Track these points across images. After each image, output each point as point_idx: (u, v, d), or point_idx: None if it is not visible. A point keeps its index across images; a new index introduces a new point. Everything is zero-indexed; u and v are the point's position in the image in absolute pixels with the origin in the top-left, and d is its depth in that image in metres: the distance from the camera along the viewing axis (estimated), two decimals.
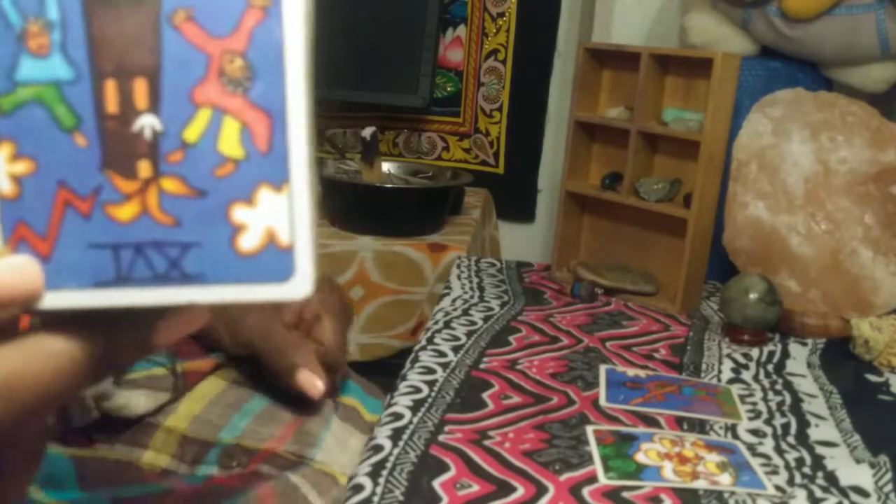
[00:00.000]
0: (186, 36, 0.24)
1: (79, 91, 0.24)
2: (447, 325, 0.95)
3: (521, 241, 2.03)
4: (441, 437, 0.68)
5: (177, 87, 0.25)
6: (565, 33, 1.94)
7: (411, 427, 0.70)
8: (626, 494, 0.62)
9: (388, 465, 0.63)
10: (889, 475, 0.65)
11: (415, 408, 0.73)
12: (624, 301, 1.09)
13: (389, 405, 0.74)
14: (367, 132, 1.53)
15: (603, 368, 0.86)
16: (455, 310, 1.01)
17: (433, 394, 0.77)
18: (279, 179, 0.25)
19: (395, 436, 0.68)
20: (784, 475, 0.67)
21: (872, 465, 0.67)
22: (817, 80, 1.31)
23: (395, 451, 0.66)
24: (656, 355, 0.92)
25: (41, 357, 0.24)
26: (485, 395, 0.77)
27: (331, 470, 0.67)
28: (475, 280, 1.14)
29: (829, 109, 1.04)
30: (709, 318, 1.06)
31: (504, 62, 1.96)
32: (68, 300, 0.25)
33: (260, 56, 0.25)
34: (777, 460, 0.69)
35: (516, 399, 0.77)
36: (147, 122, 0.25)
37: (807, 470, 0.68)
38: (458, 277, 1.14)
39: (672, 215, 1.06)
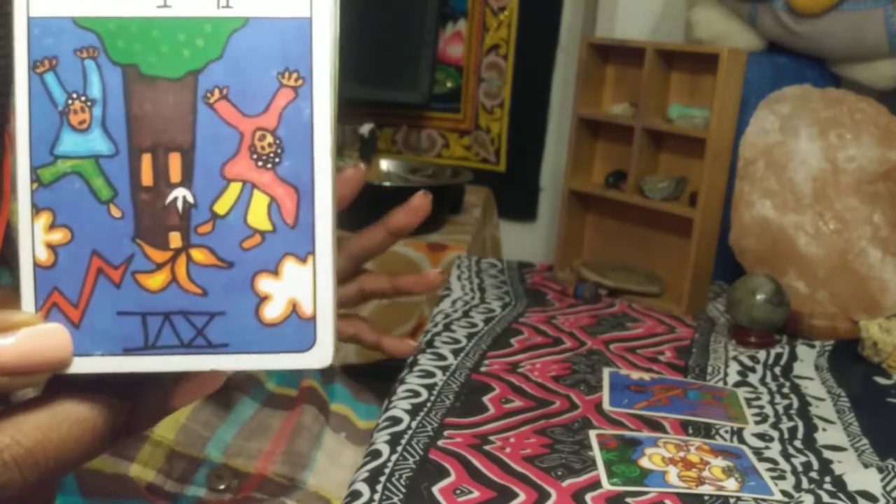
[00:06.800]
0: (220, 114, 0.26)
1: (116, 165, 0.26)
2: (447, 327, 0.94)
3: (523, 241, 2.02)
4: (440, 442, 0.68)
5: (209, 162, 0.26)
6: (568, 28, 1.92)
7: (410, 432, 0.69)
8: (630, 500, 0.61)
9: (387, 470, 0.63)
10: None
11: (413, 412, 0.72)
12: (628, 302, 1.08)
13: (387, 409, 0.73)
14: (366, 129, 1.52)
15: (606, 371, 0.85)
16: (455, 311, 1.00)
17: (432, 398, 0.76)
18: (304, 252, 0.26)
19: (394, 441, 0.67)
20: (791, 480, 0.66)
21: (881, 470, 0.67)
22: (825, 77, 1.30)
23: (394, 457, 0.65)
24: (661, 358, 0.90)
25: (66, 425, 0.25)
26: (485, 399, 0.76)
27: (325, 493, 0.66)
28: (476, 281, 1.12)
29: (837, 106, 1.03)
30: (715, 320, 1.04)
31: (506, 57, 1.94)
32: (96, 366, 0.26)
33: (289, 133, 0.26)
34: (784, 465, 0.69)
35: (518, 403, 0.76)
36: (179, 195, 0.26)
37: (814, 475, 0.67)
38: (459, 278, 1.13)
39: (677, 214, 1.04)
